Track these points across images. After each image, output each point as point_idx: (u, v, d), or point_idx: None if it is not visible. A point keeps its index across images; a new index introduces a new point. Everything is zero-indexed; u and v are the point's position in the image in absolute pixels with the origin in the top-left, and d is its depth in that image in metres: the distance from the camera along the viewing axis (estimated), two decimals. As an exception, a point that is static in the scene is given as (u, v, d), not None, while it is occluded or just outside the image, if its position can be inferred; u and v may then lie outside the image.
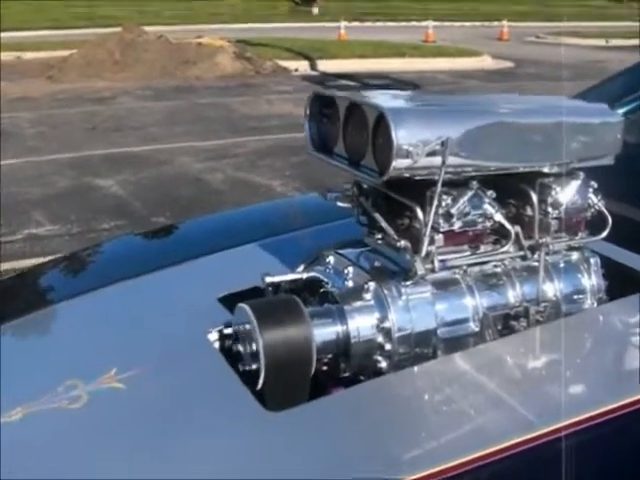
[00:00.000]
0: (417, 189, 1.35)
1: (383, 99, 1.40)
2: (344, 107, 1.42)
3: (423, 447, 1.20)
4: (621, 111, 2.02)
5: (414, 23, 27.12)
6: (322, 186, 1.59)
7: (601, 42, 22.74)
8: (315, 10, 31.96)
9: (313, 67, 16.61)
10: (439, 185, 1.31)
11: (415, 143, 1.27)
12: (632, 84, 2.41)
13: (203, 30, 20.29)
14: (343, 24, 22.05)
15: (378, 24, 28.38)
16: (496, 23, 26.00)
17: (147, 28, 17.43)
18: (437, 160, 1.29)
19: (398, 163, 1.27)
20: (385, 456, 1.16)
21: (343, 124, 1.43)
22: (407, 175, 1.31)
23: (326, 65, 16.52)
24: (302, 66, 16.51)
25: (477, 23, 29.65)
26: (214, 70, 15.29)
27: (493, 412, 1.25)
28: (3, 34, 17.93)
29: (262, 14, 29.41)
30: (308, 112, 1.50)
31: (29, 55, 17.64)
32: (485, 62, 17.96)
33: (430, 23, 22.58)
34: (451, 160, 1.31)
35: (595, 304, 1.49)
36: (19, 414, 1.28)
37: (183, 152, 8.69)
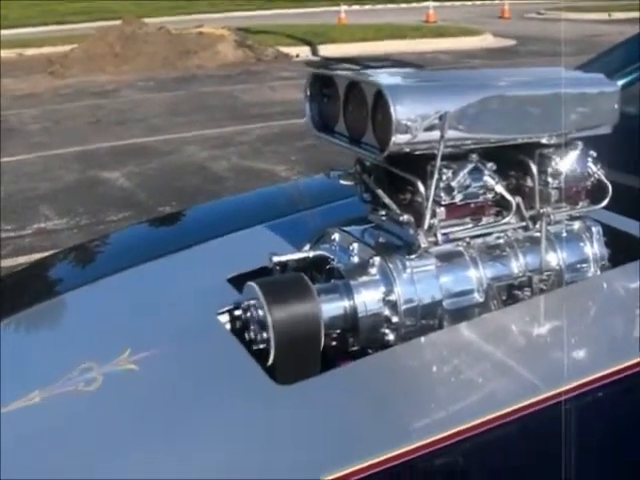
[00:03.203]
0: (418, 164, 1.37)
1: (381, 76, 1.41)
2: (343, 86, 1.44)
3: (431, 415, 1.22)
4: (620, 82, 2.02)
5: (414, 4, 26.99)
6: (326, 169, 1.61)
7: (604, 16, 22.61)
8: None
9: (314, 52, 16.57)
10: (438, 159, 1.32)
11: (414, 118, 1.28)
12: (630, 55, 2.41)
13: (203, 19, 20.25)
14: (343, 8, 21.98)
15: (378, 6, 28.24)
16: (497, 1, 25.86)
17: (147, 20, 17.42)
18: (436, 134, 1.31)
19: (398, 138, 1.29)
20: (394, 424, 1.19)
21: (343, 103, 1.45)
22: (407, 150, 1.33)
23: (327, 50, 16.48)
24: (303, 52, 16.48)
25: (478, 1, 29.49)
26: (215, 59, 15.28)
27: (499, 378, 1.27)
28: (4, 31, 17.93)
29: (262, 1, 29.29)
30: (308, 92, 1.52)
31: (31, 51, 17.63)
32: (487, 41, 17.89)
33: (430, 3, 22.47)
34: (450, 134, 1.32)
35: (597, 272, 1.51)
36: (37, 398, 1.31)
37: (187, 142, 8.71)
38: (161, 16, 22.22)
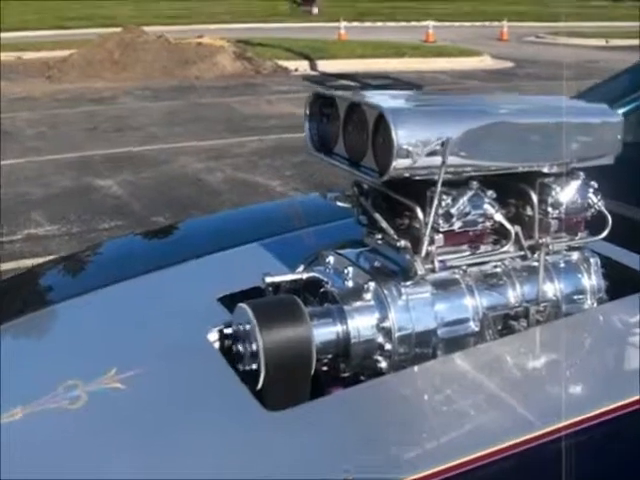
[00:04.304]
0: (417, 189, 1.35)
1: (383, 99, 1.40)
2: (344, 107, 1.42)
3: (423, 447, 1.20)
4: (621, 111, 2.01)
5: (414, 23, 27.15)
6: (322, 186, 1.59)
7: (601, 42, 22.74)
8: (315, 10, 31.96)
9: (313, 67, 16.61)
10: (439, 185, 1.30)
11: (415, 143, 1.26)
12: (632, 84, 2.40)
13: (203, 30, 20.30)
14: (343, 24, 22.08)
15: (378, 24, 28.39)
16: (496, 23, 26.02)
17: (147, 28, 17.43)
18: (437, 160, 1.29)
19: (398, 163, 1.27)
20: (385, 456, 1.16)
21: (343, 124, 1.43)
22: (407, 175, 1.31)
23: (326, 65, 16.52)
24: (302, 66, 16.52)
25: (477, 23, 29.66)
26: (214, 70, 15.30)
27: (493, 412, 1.25)
28: (3, 34, 17.93)
29: (262, 14, 29.39)
30: (308, 112, 1.50)
31: (29, 55, 17.64)
32: (485, 62, 17.97)
33: (430, 23, 22.58)
34: (451, 160, 1.30)
35: (595, 304, 1.49)
36: (19, 414, 1.28)
37: (183, 152, 8.69)
38: (161, 25, 22.23)
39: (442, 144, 1.28)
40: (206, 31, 19.73)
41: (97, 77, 14.57)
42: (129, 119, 10.84)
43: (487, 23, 28.65)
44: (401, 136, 1.25)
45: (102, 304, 1.73)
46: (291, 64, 16.41)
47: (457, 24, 28.85)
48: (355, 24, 26.26)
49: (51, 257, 3.32)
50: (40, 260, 3.69)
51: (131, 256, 2.16)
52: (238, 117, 10.99)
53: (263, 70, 15.70)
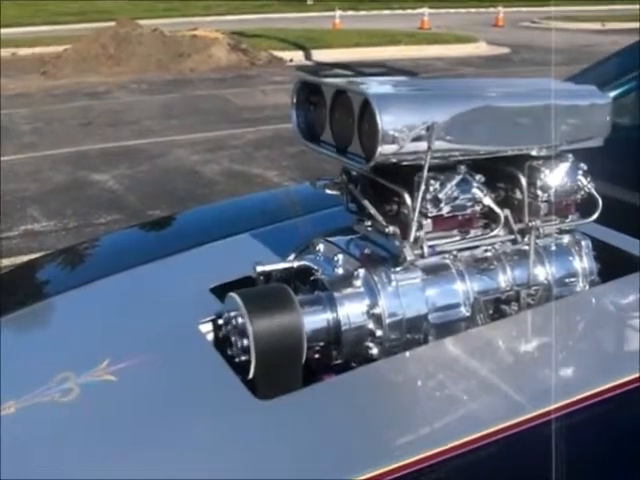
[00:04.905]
0: (405, 175, 1.35)
1: (368, 85, 1.39)
2: (330, 94, 1.42)
3: (415, 432, 1.20)
4: (612, 94, 2.00)
5: (409, 10, 27.09)
6: (319, 175, 1.59)
7: (597, 26, 22.69)
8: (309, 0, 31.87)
9: (308, 57, 16.58)
10: (425, 170, 1.30)
11: (401, 128, 1.26)
12: (623, 67, 2.40)
13: (198, 22, 20.25)
14: (338, 13, 22.04)
15: (373, 12, 28.30)
16: (491, 9, 25.95)
17: (141, 22, 17.38)
18: (423, 145, 1.29)
19: (384, 149, 1.26)
20: (377, 441, 1.16)
21: (330, 111, 1.42)
22: (394, 161, 1.31)
23: (321, 54, 16.48)
24: (297, 56, 16.48)
25: (472, 9, 29.59)
26: (209, 62, 15.26)
27: (485, 396, 1.25)
28: (-3, 30, 17.90)
29: (257, 5, 29.29)
30: (295, 100, 1.50)
31: (24, 51, 17.58)
32: (481, 48, 17.94)
33: (425, 10, 22.53)
34: (438, 144, 1.30)
35: (586, 286, 1.49)
36: (12, 408, 1.28)
37: (179, 145, 8.68)
38: (155, 18, 22.17)
39: (428, 129, 1.28)
40: (201, 23, 19.69)
41: (92, 72, 14.51)
42: (124, 113, 10.82)
43: (482, 9, 28.58)
44: (386, 122, 1.25)
45: (96, 296, 1.73)
46: (286, 54, 16.38)
47: (452, 10, 28.78)
48: (350, 13, 26.19)
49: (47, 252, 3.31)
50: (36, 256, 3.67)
51: (125, 249, 2.17)
52: (234, 109, 10.97)
53: (258, 61, 15.66)
